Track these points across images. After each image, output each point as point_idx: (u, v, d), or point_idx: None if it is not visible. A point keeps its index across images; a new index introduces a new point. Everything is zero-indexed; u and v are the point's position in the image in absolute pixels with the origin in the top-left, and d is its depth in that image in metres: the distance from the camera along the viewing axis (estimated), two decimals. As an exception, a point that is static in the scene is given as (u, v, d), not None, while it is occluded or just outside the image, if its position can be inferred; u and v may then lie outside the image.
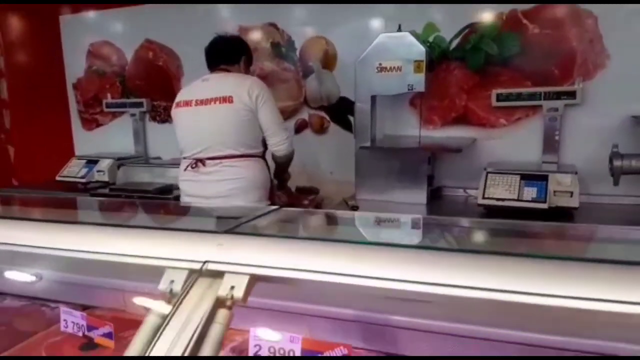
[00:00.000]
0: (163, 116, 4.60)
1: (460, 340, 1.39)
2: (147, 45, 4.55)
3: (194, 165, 2.88)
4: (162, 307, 0.73)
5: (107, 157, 4.27)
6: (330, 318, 1.51)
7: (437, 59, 3.44)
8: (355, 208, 3.12)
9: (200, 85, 2.90)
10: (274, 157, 2.98)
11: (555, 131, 3.17)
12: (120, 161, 4.25)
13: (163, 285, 0.76)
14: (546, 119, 3.18)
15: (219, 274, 0.75)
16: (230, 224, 0.87)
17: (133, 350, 0.69)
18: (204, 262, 0.76)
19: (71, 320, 1.69)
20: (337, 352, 1.29)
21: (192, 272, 0.77)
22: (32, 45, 5.06)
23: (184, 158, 2.97)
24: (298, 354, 1.32)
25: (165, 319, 0.72)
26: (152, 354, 0.67)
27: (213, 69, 2.99)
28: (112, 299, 1.83)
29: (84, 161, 4.31)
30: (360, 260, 0.74)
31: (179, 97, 2.98)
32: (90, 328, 1.64)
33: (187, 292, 0.75)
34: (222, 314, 0.71)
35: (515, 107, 3.28)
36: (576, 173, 2.82)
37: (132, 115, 4.64)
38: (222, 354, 0.77)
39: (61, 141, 5.02)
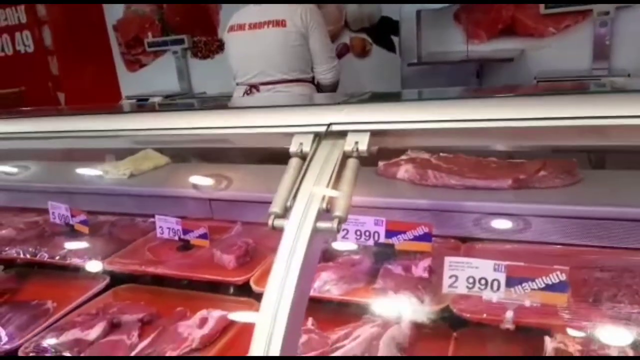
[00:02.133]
0: (204, 52, 4.68)
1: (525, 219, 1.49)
2: (183, -20, 4.56)
3: (248, 92, 2.97)
4: (297, 163, 0.86)
5: (156, 95, 4.42)
6: (407, 209, 1.63)
7: (482, -31, 3.37)
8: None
9: (253, 9, 2.93)
10: (319, 84, 3.03)
11: (605, 36, 3.10)
12: (169, 98, 4.40)
13: (293, 148, 0.88)
14: (596, 24, 3.11)
15: (342, 135, 0.87)
16: (342, 99, 0.98)
17: (280, 196, 0.82)
18: (328, 125, 0.87)
19: (167, 227, 1.86)
20: (420, 231, 1.42)
21: (317, 134, 0.88)
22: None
23: (238, 84, 3.06)
24: (383, 235, 1.46)
25: (301, 170, 0.84)
26: (298, 195, 0.80)
27: None
28: (200, 209, 1.98)
29: (134, 101, 4.47)
30: (451, 108, 0.85)
31: (233, 21, 3.01)
32: (185, 232, 1.82)
33: (316, 151, 0.87)
34: (351, 162, 0.83)
35: (564, 13, 3.21)
36: (629, 75, 2.80)
37: (174, 53, 4.73)
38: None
39: (107, 83, 5.19)
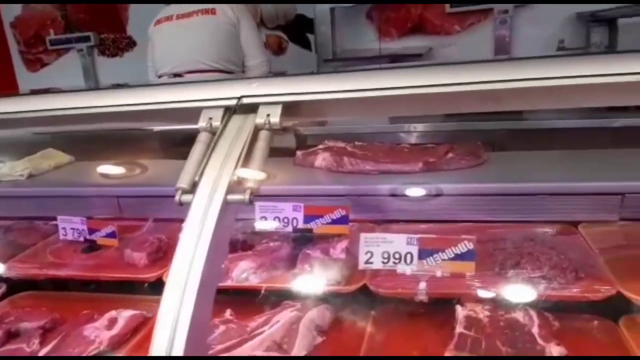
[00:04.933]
0: (113, 50, 4.44)
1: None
2: (87, -26, 4.31)
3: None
4: (206, 137, 0.82)
5: (60, 95, 4.13)
6: (324, 195, 1.63)
7: (392, -32, 3.49)
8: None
9: (180, 5, 2.81)
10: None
11: (506, 34, 3.33)
12: (74, 98, 4.12)
13: (202, 123, 0.84)
14: (497, 22, 3.32)
15: (253, 109, 0.84)
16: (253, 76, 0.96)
17: (187, 170, 0.78)
18: (239, 98, 0.84)
19: (70, 227, 1.72)
20: (337, 214, 1.43)
21: (227, 108, 0.85)
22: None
23: (160, 77, 2.89)
24: (301, 220, 1.46)
25: (210, 144, 0.81)
26: (207, 169, 0.77)
27: None
28: (108, 208, 1.86)
29: (35, 101, 4.15)
30: (359, 79, 0.86)
31: (159, 15, 2.87)
32: (91, 232, 1.69)
33: (226, 125, 0.84)
34: (263, 133, 0.81)
35: (468, 12, 3.41)
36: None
37: (80, 51, 4.45)
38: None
39: (4, 85, 4.77)
